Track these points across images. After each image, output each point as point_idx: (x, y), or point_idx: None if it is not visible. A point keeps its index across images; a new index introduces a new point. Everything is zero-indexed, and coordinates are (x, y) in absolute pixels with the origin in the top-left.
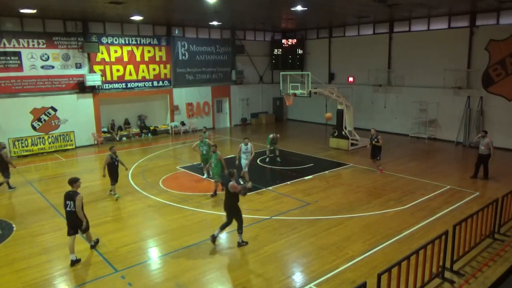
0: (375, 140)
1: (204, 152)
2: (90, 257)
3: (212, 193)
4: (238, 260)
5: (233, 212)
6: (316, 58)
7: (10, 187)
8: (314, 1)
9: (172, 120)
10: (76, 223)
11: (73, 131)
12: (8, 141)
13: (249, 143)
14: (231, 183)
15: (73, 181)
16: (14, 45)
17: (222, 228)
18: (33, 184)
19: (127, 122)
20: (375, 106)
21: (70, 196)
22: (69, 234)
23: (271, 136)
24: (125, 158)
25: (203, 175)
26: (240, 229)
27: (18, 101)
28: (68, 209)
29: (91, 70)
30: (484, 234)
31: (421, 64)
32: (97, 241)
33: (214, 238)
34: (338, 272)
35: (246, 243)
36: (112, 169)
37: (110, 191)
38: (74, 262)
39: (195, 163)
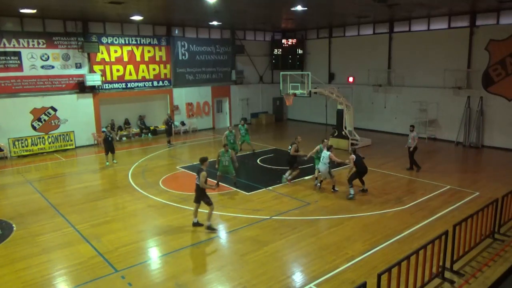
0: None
1: (232, 141)
2: (90, 257)
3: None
4: (238, 260)
5: None
6: (316, 58)
7: (170, 144)
8: (314, 1)
9: (172, 120)
10: (199, 195)
11: (73, 131)
12: (8, 141)
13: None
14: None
15: (203, 160)
16: (14, 45)
17: None
18: (33, 184)
19: (127, 122)
20: (375, 106)
21: (198, 172)
22: (194, 201)
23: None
24: (125, 158)
25: None
26: None
27: (18, 101)
28: (196, 182)
29: (91, 70)
30: (484, 234)
31: (421, 64)
32: (210, 227)
33: None
34: (338, 272)
35: None
36: (107, 143)
37: (113, 160)
38: (195, 224)
39: (195, 163)
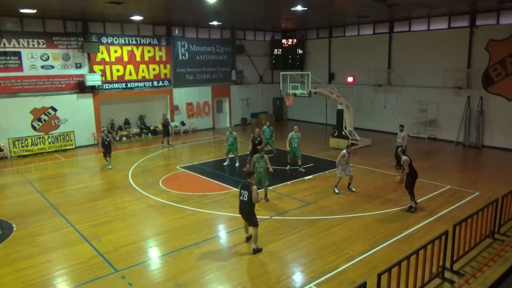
0: (258, 140)
1: (230, 142)
2: (90, 257)
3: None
4: (238, 260)
5: None
6: (316, 58)
7: (169, 144)
8: (314, 1)
9: (172, 120)
10: (248, 211)
11: (73, 131)
12: (8, 141)
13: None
14: None
15: (251, 173)
16: (14, 45)
17: None
18: (33, 184)
19: (127, 122)
20: (375, 106)
21: (246, 187)
22: (245, 219)
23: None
24: (125, 158)
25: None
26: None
27: (18, 101)
28: (241, 198)
29: (91, 70)
30: (484, 234)
31: (421, 64)
32: (257, 249)
33: None
34: (338, 272)
35: None
36: (104, 147)
37: (107, 165)
38: (249, 238)
39: (195, 163)
